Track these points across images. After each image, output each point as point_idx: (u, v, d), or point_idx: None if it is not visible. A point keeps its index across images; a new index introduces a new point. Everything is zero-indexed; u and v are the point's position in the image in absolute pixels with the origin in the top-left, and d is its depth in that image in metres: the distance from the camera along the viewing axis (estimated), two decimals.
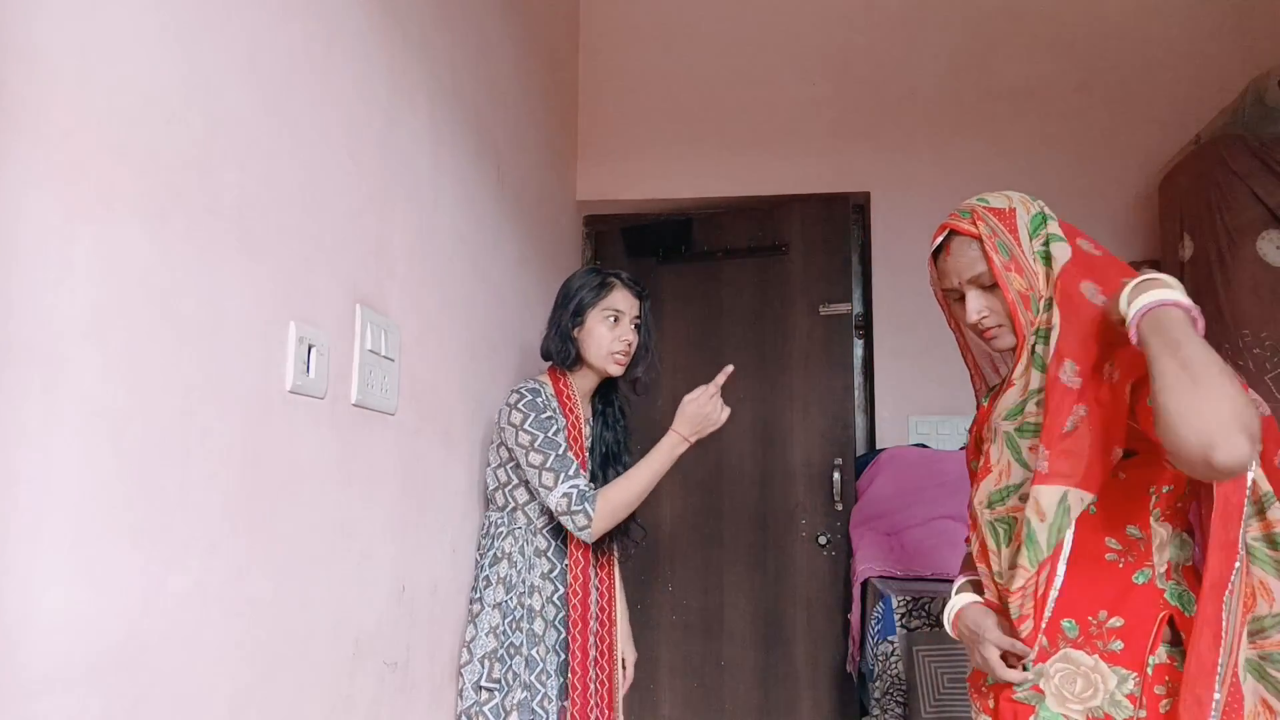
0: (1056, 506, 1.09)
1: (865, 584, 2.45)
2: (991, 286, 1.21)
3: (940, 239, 1.27)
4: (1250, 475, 1.03)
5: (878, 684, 2.10)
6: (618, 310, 1.74)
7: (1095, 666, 1.11)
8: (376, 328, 1.31)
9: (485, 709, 1.59)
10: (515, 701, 1.59)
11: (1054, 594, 1.13)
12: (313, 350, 1.12)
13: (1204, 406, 0.87)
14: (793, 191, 2.98)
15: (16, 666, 0.69)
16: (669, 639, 2.89)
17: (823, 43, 3.02)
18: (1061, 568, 1.12)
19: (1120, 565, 1.14)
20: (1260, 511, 1.05)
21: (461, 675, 1.63)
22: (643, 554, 2.94)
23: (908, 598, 2.10)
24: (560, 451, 1.63)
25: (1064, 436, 1.10)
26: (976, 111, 2.92)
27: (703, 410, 1.64)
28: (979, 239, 1.20)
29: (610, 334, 1.73)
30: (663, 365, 2.99)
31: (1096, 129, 2.85)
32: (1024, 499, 1.15)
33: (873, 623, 2.24)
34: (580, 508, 1.59)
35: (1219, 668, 1.02)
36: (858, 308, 2.97)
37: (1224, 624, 1.03)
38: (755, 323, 2.94)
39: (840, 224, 2.89)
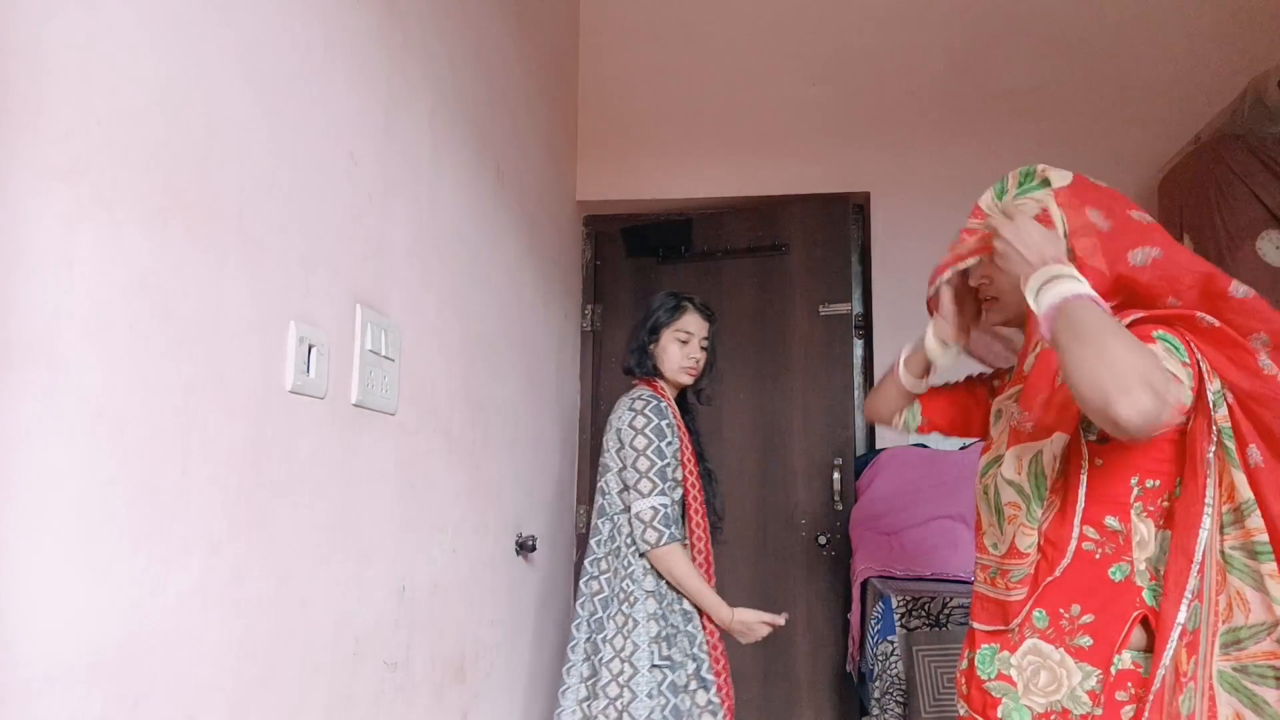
0: (1029, 463, 1.15)
1: (865, 584, 2.44)
2: None
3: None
4: (1209, 486, 1.04)
5: (877, 684, 2.10)
6: (688, 331, 1.99)
7: (1061, 661, 1.11)
8: (376, 328, 1.31)
9: (663, 689, 1.79)
10: (689, 673, 1.81)
11: (1055, 575, 1.14)
12: (313, 350, 1.12)
13: (1099, 366, 0.94)
14: (793, 191, 2.98)
15: (17, 666, 0.69)
16: None
17: (823, 43, 3.02)
18: (1069, 556, 1.13)
19: (1097, 556, 1.11)
20: (1239, 519, 1.04)
21: (632, 664, 1.80)
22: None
23: (907, 597, 2.10)
24: (666, 466, 1.83)
25: (1056, 391, 1.13)
26: (976, 112, 2.92)
27: (750, 626, 1.88)
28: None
29: (681, 351, 1.98)
30: None
31: (1096, 129, 2.85)
32: (998, 461, 1.22)
33: (872, 622, 2.24)
34: (663, 529, 1.80)
35: (1184, 677, 1.02)
36: (857, 308, 2.97)
37: (1185, 631, 1.03)
38: (755, 323, 2.94)
39: (840, 224, 2.89)
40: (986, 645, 1.20)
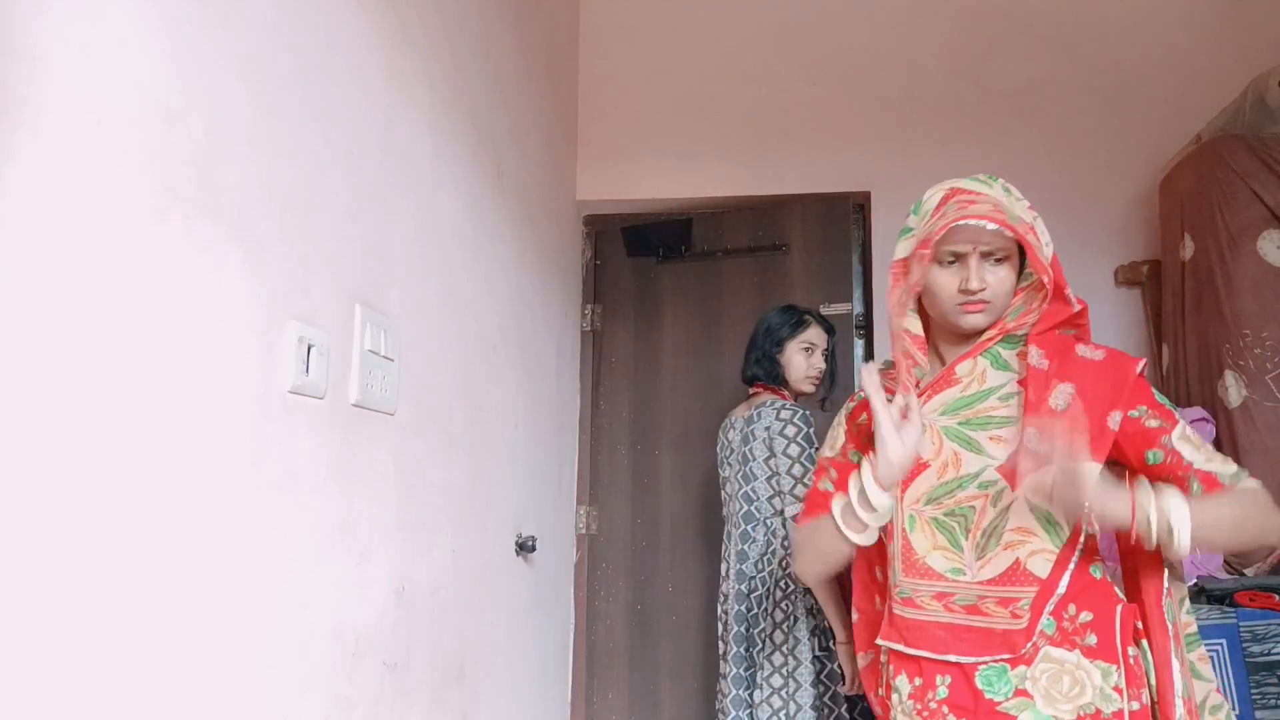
0: None
1: None
2: (1000, 260, 1.17)
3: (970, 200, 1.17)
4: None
5: None
6: (812, 343, 2.12)
7: (1079, 663, 1.11)
8: (376, 328, 1.31)
9: (823, 678, 1.93)
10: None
11: (1059, 593, 1.13)
12: (313, 350, 1.12)
13: (1261, 534, 1.11)
14: (793, 191, 2.97)
15: (15, 667, 0.69)
16: (669, 639, 2.89)
17: (823, 42, 3.02)
18: (1072, 567, 1.14)
19: (1079, 558, 1.16)
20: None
21: (795, 656, 1.93)
22: (643, 554, 2.94)
23: None
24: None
25: (1058, 415, 1.10)
26: (976, 111, 2.92)
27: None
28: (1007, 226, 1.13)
29: (806, 362, 2.13)
30: (662, 365, 3.00)
31: (1096, 129, 2.85)
32: (985, 486, 1.14)
33: None
34: None
35: (1173, 660, 1.14)
36: (858, 308, 2.97)
37: (1170, 625, 1.15)
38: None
39: (840, 224, 2.88)
40: (988, 668, 1.14)
